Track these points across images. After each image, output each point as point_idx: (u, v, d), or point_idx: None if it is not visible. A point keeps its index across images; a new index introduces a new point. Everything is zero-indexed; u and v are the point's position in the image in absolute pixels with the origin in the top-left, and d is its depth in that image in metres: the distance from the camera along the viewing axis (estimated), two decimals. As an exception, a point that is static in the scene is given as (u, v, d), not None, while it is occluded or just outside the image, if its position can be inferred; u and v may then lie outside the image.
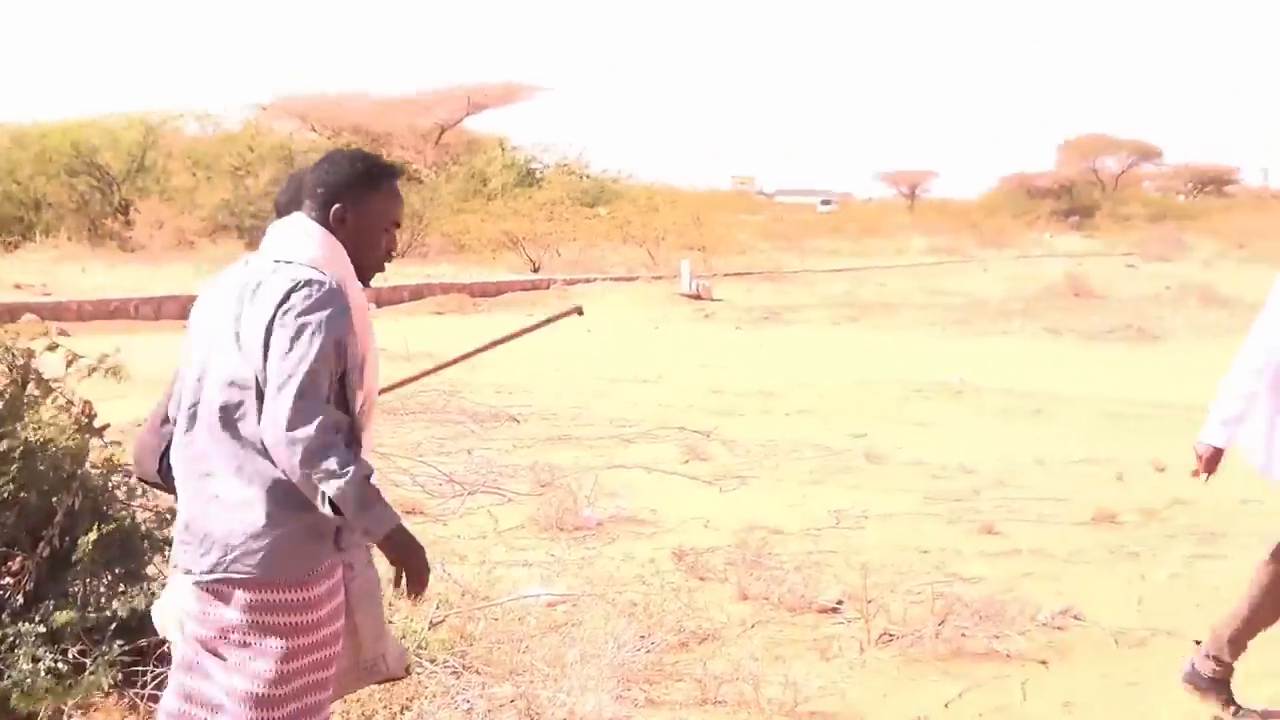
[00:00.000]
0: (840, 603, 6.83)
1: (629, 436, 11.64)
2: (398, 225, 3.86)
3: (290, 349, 3.42)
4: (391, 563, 3.48)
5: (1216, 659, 5.45)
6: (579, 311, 6.53)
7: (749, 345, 20.05)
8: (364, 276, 3.76)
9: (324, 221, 3.71)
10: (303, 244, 3.64)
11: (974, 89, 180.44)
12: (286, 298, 3.49)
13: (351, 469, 3.35)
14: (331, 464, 3.34)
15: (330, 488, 3.34)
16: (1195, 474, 5.28)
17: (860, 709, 5.61)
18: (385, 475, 9.19)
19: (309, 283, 3.51)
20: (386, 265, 3.85)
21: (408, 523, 3.52)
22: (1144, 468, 10.53)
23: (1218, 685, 5.46)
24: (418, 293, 26.17)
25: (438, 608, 6.18)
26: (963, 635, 6.37)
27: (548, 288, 27.94)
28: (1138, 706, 5.69)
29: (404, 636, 5.37)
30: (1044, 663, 6.13)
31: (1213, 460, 5.22)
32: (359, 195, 3.72)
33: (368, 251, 3.76)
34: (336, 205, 3.70)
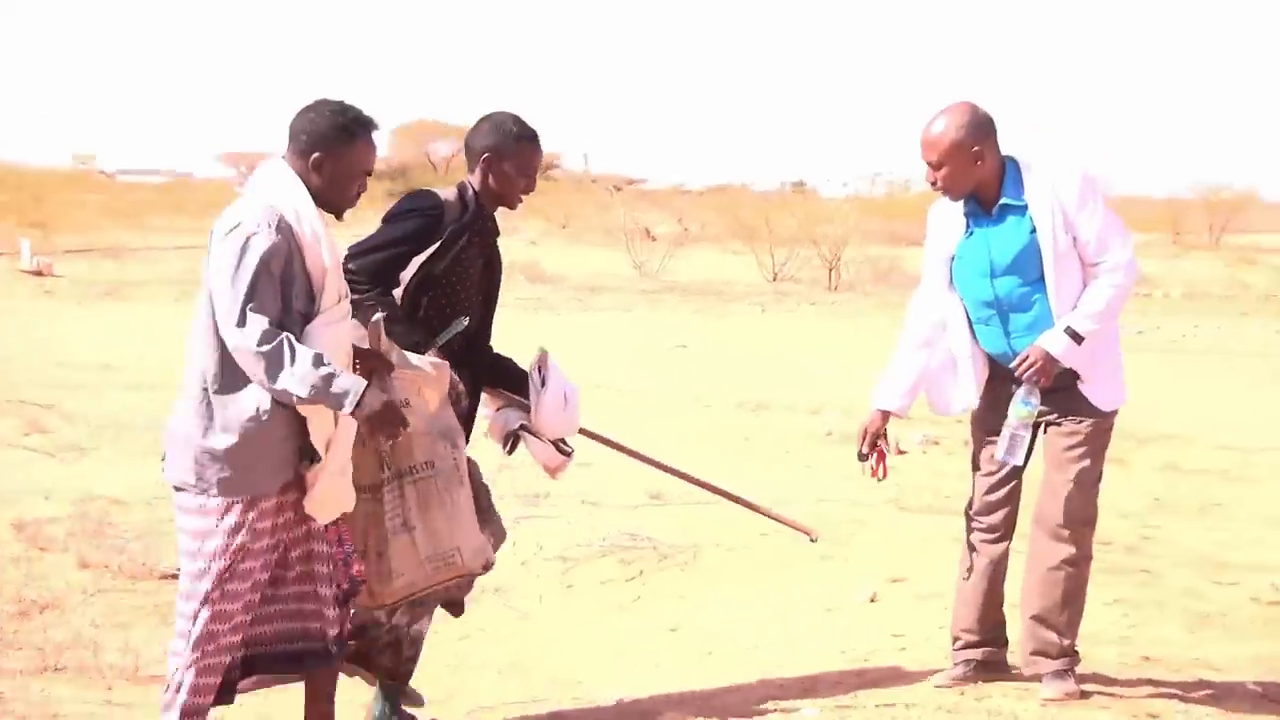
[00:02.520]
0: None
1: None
2: (369, 174, 4.17)
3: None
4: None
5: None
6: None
7: (91, 320, 19.34)
8: (336, 214, 4.16)
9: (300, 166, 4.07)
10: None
11: (304, 74, 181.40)
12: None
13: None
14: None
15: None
16: (866, 445, 5.27)
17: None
18: None
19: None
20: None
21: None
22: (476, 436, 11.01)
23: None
24: None
25: None
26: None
27: None
28: (467, 659, 6.27)
29: None
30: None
31: (879, 422, 5.25)
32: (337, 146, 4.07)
33: (339, 195, 4.12)
34: (315, 154, 4.05)
